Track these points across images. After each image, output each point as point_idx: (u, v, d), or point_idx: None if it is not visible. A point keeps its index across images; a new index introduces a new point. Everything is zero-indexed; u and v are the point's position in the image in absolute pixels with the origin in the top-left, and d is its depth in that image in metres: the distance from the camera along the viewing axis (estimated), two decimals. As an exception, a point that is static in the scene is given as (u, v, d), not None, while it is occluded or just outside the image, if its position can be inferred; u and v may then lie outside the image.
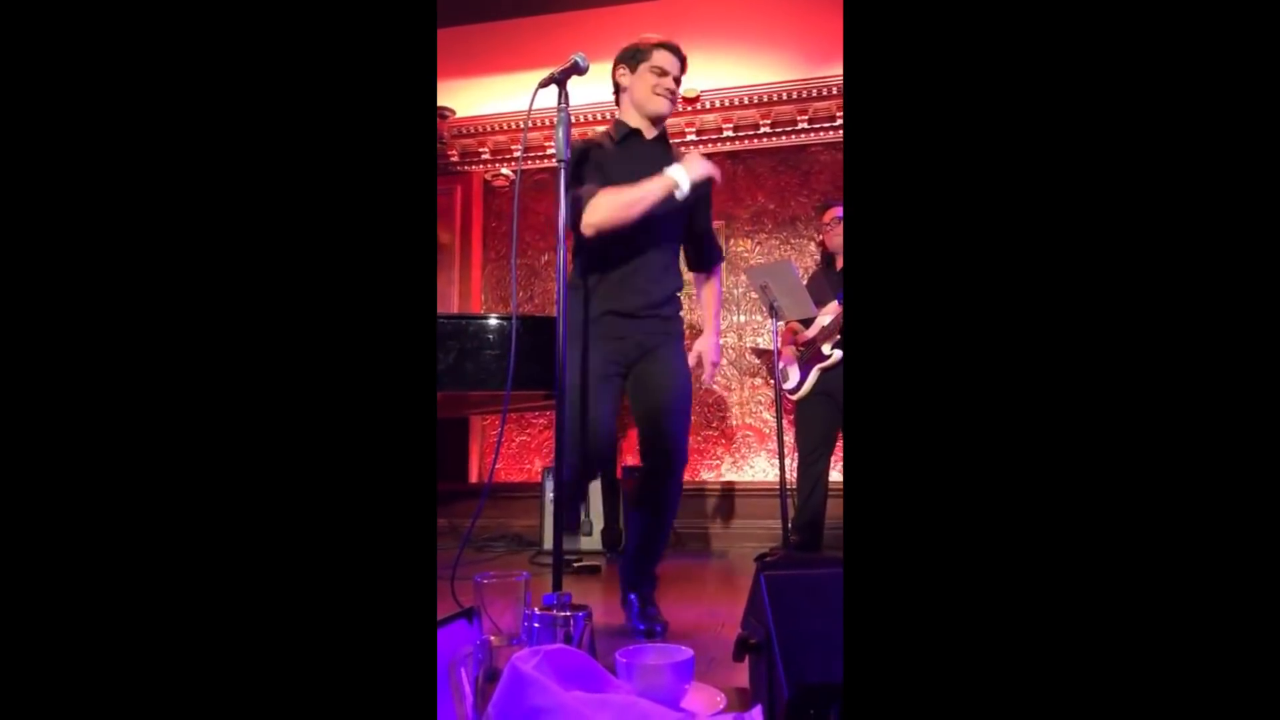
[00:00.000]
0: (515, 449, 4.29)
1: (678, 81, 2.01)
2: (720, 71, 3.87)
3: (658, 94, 1.98)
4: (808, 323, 3.15)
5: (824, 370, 3.08)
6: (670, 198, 1.85)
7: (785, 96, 4.05)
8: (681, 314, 2.08)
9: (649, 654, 1.09)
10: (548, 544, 3.45)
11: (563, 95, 1.62)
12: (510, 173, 4.45)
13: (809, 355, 3.14)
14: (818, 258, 3.69)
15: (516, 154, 4.39)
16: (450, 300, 4.44)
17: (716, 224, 4.01)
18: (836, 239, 3.16)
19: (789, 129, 4.12)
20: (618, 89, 2.06)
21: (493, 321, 2.61)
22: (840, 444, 3.22)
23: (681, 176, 1.84)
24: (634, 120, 2.03)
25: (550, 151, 4.12)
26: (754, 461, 4.00)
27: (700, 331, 2.18)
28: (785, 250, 4.08)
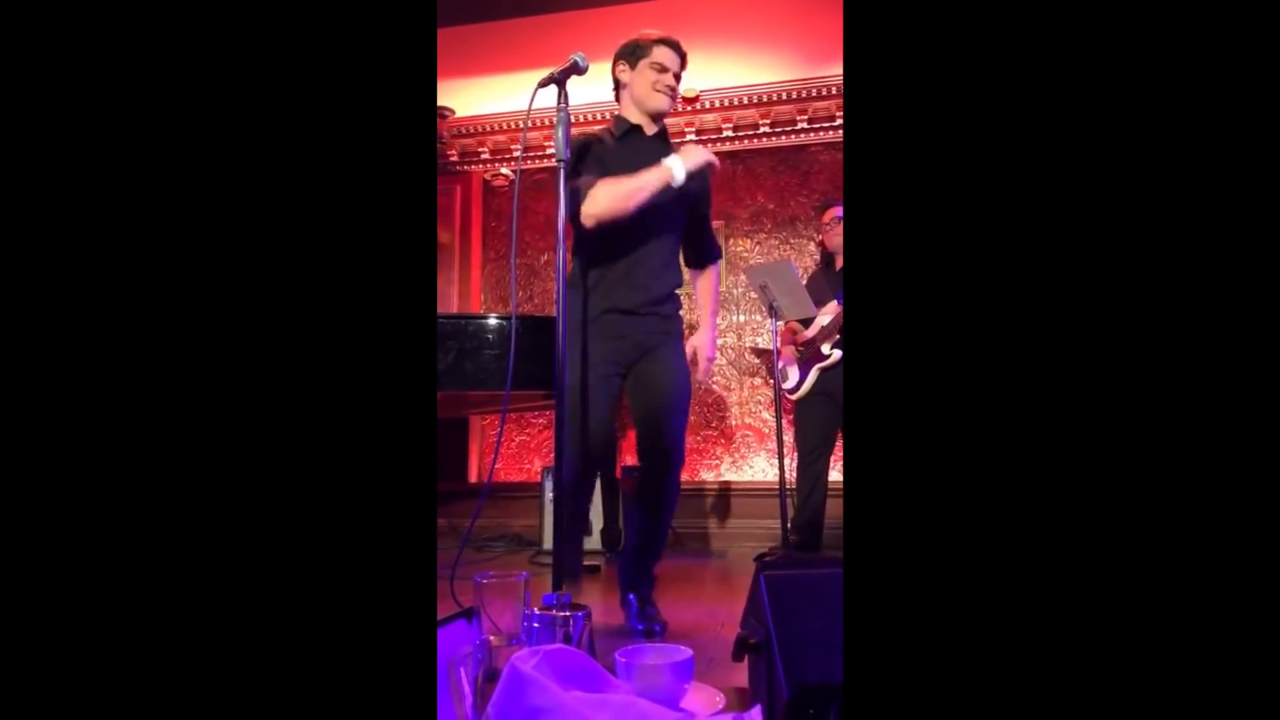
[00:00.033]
0: (515, 449, 4.29)
1: (678, 78, 2.01)
2: (720, 71, 3.87)
3: (658, 90, 1.97)
4: (807, 322, 3.15)
5: (823, 370, 3.08)
6: (668, 188, 1.84)
7: (785, 96, 4.05)
8: (681, 313, 2.08)
9: (648, 654, 1.09)
10: (547, 544, 3.45)
11: (562, 95, 1.62)
12: (510, 172, 4.45)
13: (808, 355, 3.14)
14: (817, 257, 3.69)
15: (516, 154, 4.39)
16: (450, 300, 4.44)
17: (716, 224, 4.03)
18: (836, 239, 3.16)
19: (788, 129, 4.12)
20: (618, 85, 2.05)
21: (492, 321, 2.61)
22: (840, 444, 3.22)
23: (677, 165, 1.83)
24: (634, 117, 2.02)
25: (550, 151, 4.13)
26: (753, 461, 4.00)
27: (697, 328, 2.18)
28: (784, 250, 4.09)
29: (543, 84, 1.63)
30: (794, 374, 3.18)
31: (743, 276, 3.85)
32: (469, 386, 2.55)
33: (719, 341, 4.11)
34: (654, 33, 2.00)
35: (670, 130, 2.14)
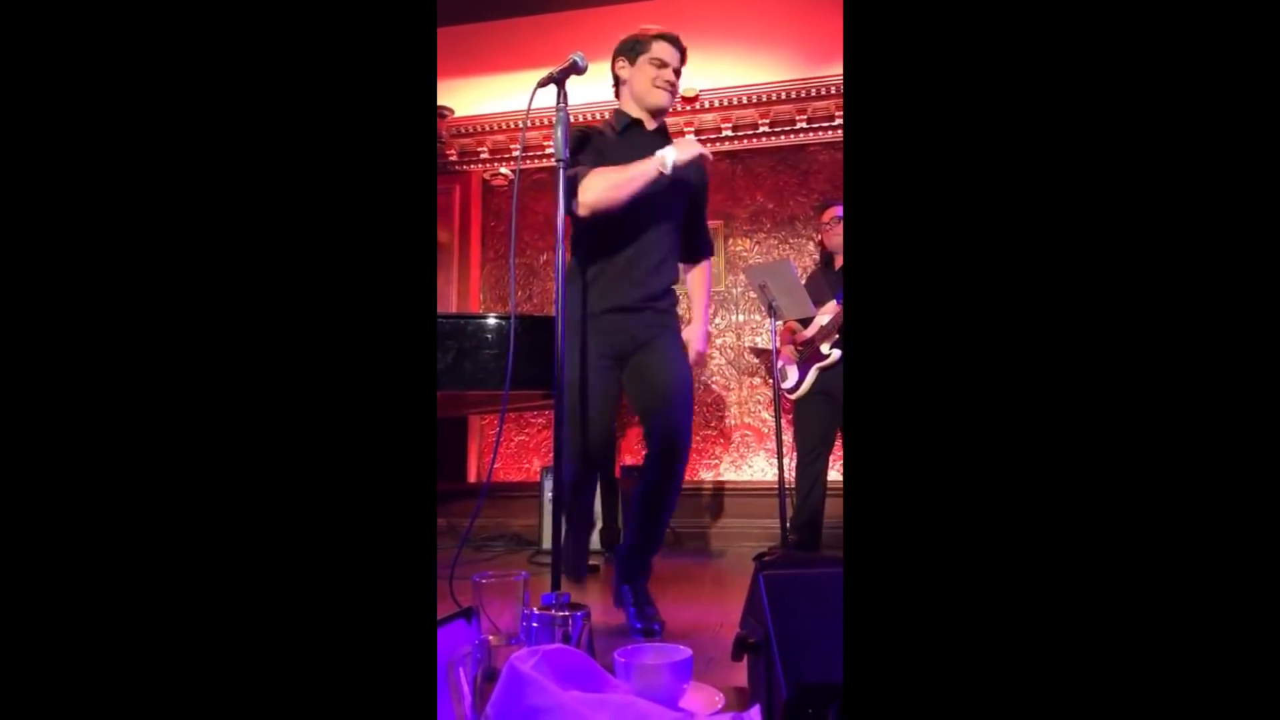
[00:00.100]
0: (514, 448, 4.29)
1: (678, 73, 2.00)
2: (719, 71, 3.87)
3: (658, 86, 1.96)
4: (806, 322, 3.15)
5: (822, 369, 3.08)
6: (660, 179, 1.83)
7: (784, 96, 4.05)
8: (678, 309, 2.08)
9: (647, 653, 1.09)
10: (546, 544, 3.45)
11: (561, 95, 1.62)
12: (509, 172, 4.44)
13: (807, 354, 3.14)
14: (816, 257, 3.69)
15: (515, 153, 4.39)
16: (449, 300, 4.43)
17: (715, 223, 4.03)
18: (835, 238, 3.16)
19: (788, 128, 4.12)
20: (617, 82, 2.05)
21: (491, 321, 2.61)
22: (839, 443, 3.22)
23: (669, 153, 1.82)
24: (635, 113, 2.01)
25: (549, 151, 4.12)
26: (752, 461, 4.00)
27: (689, 323, 2.18)
28: (784, 250, 4.08)
29: (542, 84, 1.62)
30: (793, 373, 3.18)
31: (742, 276, 3.85)
32: (468, 386, 2.55)
33: (717, 340, 4.11)
34: (654, 28, 1.99)
35: (670, 130, 2.13)
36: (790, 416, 3.38)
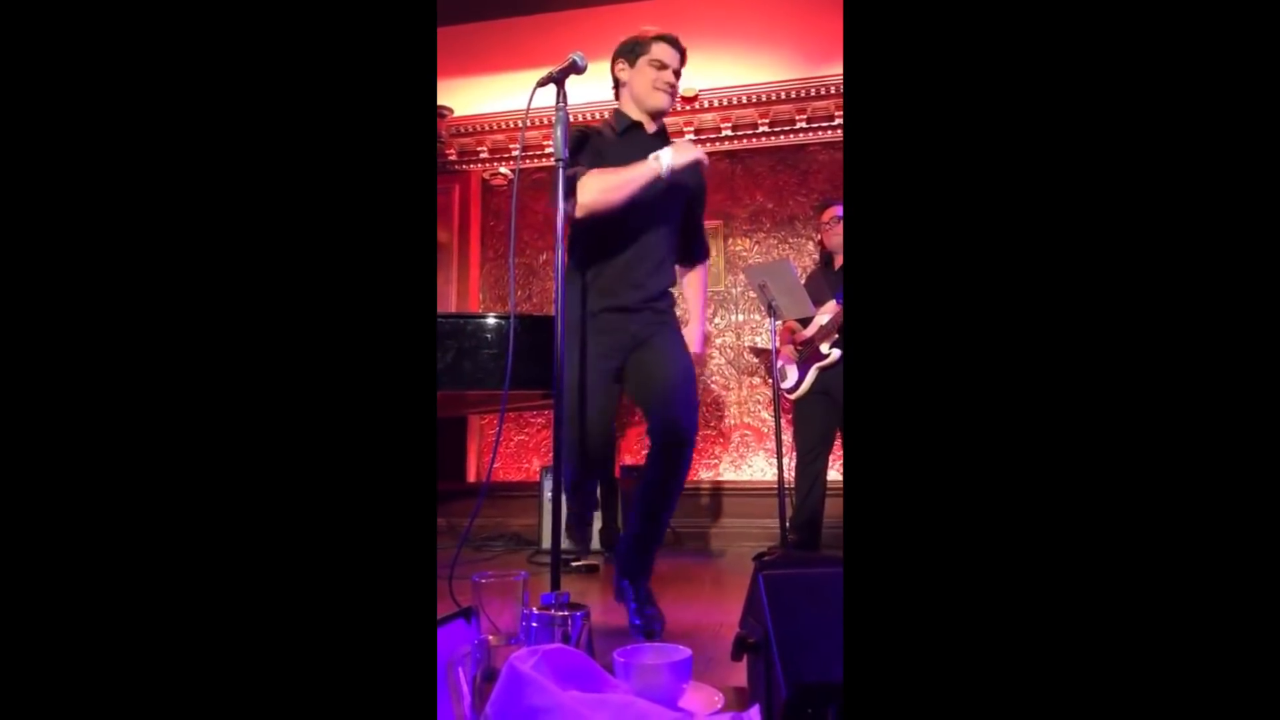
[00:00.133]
0: (513, 448, 4.29)
1: (678, 74, 2.00)
2: (719, 71, 3.87)
3: (658, 88, 1.96)
4: (806, 322, 3.15)
5: (822, 369, 3.08)
6: (657, 181, 1.83)
7: (784, 96, 4.05)
8: (676, 309, 2.08)
9: (647, 653, 1.09)
10: (546, 543, 3.44)
11: (561, 94, 1.62)
12: (508, 172, 4.44)
13: (807, 354, 3.14)
14: (816, 257, 3.69)
15: (515, 153, 4.39)
16: (448, 299, 4.43)
17: (715, 223, 4.03)
18: (835, 238, 3.16)
19: (787, 128, 4.12)
20: (617, 84, 2.04)
21: (491, 321, 2.61)
22: (838, 443, 3.22)
23: (666, 155, 1.82)
24: (634, 114, 2.01)
25: (549, 150, 4.12)
26: (752, 461, 4.00)
27: (686, 325, 2.18)
28: (783, 249, 4.09)
29: (541, 83, 1.62)
30: (793, 373, 3.18)
31: (741, 276, 3.85)
32: (467, 386, 2.55)
33: (717, 340, 4.11)
34: (652, 29, 1.99)
35: (670, 130, 2.13)
36: (790, 416, 3.38)
